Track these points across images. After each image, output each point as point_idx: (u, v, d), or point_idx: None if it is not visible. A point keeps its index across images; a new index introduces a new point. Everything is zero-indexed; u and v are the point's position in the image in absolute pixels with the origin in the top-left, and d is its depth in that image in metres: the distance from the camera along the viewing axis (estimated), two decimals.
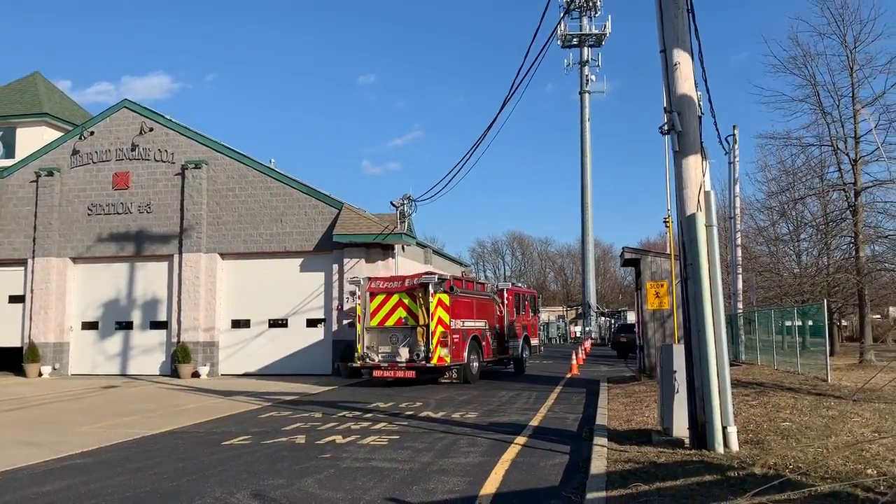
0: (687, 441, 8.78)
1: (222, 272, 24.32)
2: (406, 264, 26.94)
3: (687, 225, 8.72)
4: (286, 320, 23.90)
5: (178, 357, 23.38)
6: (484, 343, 21.11)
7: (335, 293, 23.24)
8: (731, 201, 26.28)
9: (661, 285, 19.77)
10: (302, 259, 23.86)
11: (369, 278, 19.74)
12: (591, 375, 23.65)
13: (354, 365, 19.51)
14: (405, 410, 14.05)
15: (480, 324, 20.98)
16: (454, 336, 19.11)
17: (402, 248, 25.88)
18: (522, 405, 14.83)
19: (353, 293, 20.28)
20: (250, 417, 13.54)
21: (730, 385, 8.46)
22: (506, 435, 10.97)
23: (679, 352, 9.20)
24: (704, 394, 8.39)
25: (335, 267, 23.28)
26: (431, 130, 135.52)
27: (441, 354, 18.59)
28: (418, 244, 29.28)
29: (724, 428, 8.25)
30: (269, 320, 24.03)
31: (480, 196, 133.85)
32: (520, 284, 24.95)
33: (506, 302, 23.27)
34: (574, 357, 25.72)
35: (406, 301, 19.15)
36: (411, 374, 18.67)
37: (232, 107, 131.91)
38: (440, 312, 18.82)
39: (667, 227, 17.49)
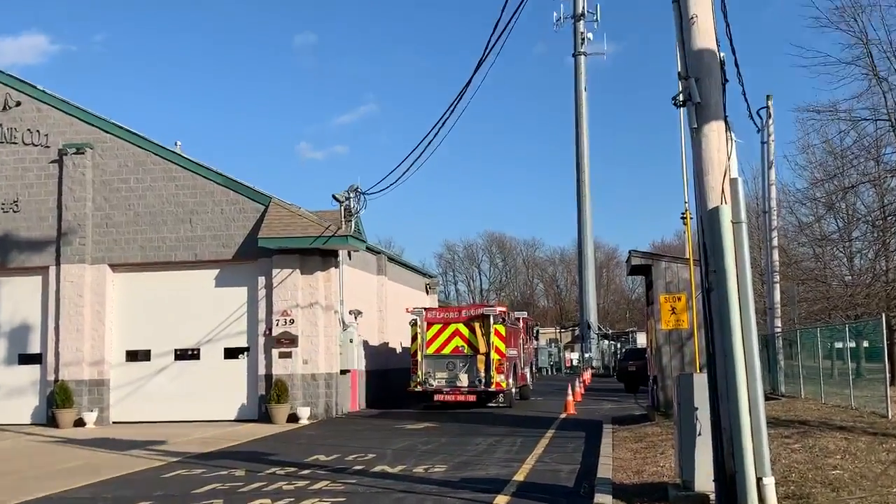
0: (712, 497, 8.84)
1: (113, 289, 24.03)
2: (354, 276, 26.86)
3: (709, 222, 8.79)
4: (198, 350, 23.79)
5: (57, 400, 23.00)
6: (518, 370, 29.66)
7: (262, 314, 23.18)
8: (765, 191, 26.66)
9: (679, 298, 19.97)
10: (218, 270, 23.78)
11: (424, 309, 27.59)
12: (591, 415, 23.74)
13: (416, 389, 27.01)
14: (353, 464, 14.03)
15: (515, 352, 29.22)
16: (507, 363, 26.97)
17: (349, 254, 25.83)
18: (504, 455, 14.91)
19: (413, 323, 27.47)
20: (151, 478, 13.35)
21: (765, 425, 8.52)
22: (482, 494, 10.98)
23: (701, 383, 9.27)
24: (734, 436, 8.43)
25: (261, 280, 23.25)
26: (388, 103, 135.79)
27: (498, 380, 26.42)
28: (369, 249, 29.25)
29: (758, 480, 8.30)
30: (176, 350, 23.88)
31: (450, 189, 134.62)
32: (522, 313, 33.32)
33: (521, 330, 31.54)
34: (570, 391, 25.95)
35: (463, 330, 26.94)
36: (472, 397, 26.59)
37: (127, 76, 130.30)
38: (497, 341, 26.61)
39: (684, 224, 17.67)
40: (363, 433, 19.54)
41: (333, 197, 22.71)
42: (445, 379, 27.06)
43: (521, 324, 32.21)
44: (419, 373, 27.08)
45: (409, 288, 36.23)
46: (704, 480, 9.19)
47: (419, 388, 27.06)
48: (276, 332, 22.93)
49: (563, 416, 23.66)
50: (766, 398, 19.34)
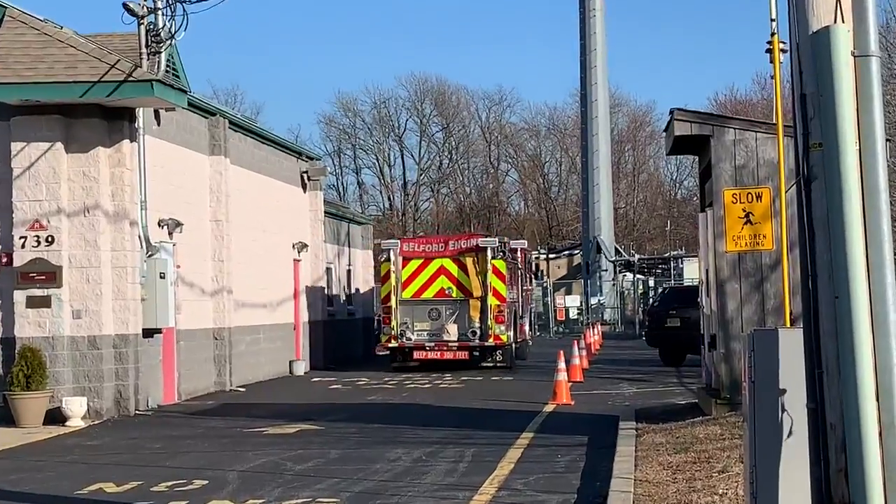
0: None
1: None
2: (167, 156, 26.62)
3: (812, 55, 8.79)
4: None
5: None
6: (517, 320, 37.93)
7: None
8: None
9: (758, 196, 20.06)
10: None
11: (400, 240, 35.45)
12: (599, 405, 24.29)
13: (391, 345, 35.29)
14: (166, 498, 14.06)
15: (515, 296, 37.82)
16: (507, 311, 34.83)
17: (157, 116, 25.56)
18: (442, 478, 15.07)
19: (385, 258, 35.78)
20: None
21: None
22: None
23: (792, 347, 9.36)
24: (849, 441, 8.59)
25: None
26: None
27: (497, 332, 34.37)
28: (196, 108, 28.88)
29: None
30: None
31: (349, 18, 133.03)
32: (520, 242, 43.34)
33: (520, 266, 40.59)
34: (563, 364, 26.16)
35: (451, 268, 35.16)
36: (464, 354, 34.99)
37: None
38: (495, 282, 34.66)
39: (771, 61, 17.68)
40: (189, 442, 19.55)
41: (126, 8, 22.31)
42: (427, 331, 35.35)
43: (520, 256, 40.84)
44: (393, 323, 34.96)
45: (271, 179, 35.96)
46: None
47: (394, 343, 35.18)
48: (19, 259, 22.86)
49: (549, 406, 24.07)
50: None
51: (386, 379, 32.93)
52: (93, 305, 23.00)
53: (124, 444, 19.53)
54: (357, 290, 48.30)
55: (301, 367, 36.12)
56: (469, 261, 35.13)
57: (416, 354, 35.25)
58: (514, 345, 36.82)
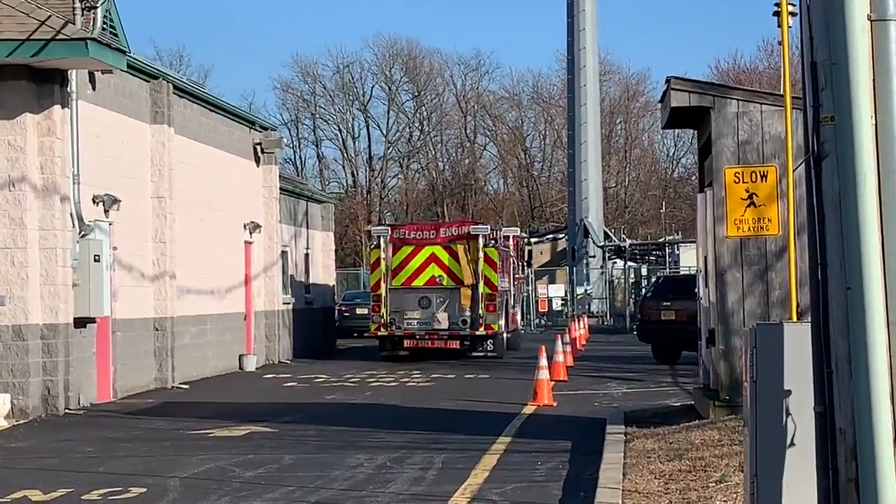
0: None
1: None
2: (104, 124, 26.57)
3: (825, 18, 8.80)
4: None
5: None
6: (509, 309, 42.70)
7: None
8: None
9: (763, 175, 20.10)
10: None
11: (390, 227, 40.13)
12: (585, 407, 24.43)
13: (380, 334, 39.55)
14: None
15: (507, 284, 42.42)
16: (499, 300, 39.11)
17: (92, 79, 25.55)
18: (407, 487, 15.09)
19: (375, 245, 39.99)
20: None
21: None
22: None
23: (798, 343, 9.37)
24: (861, 450, 8.59)
25: None
26: None
27: (488, 321, 38.41)
28: (135, 70, 28.81)
29: None
30: None
31: None
32: (512, 229, 48.72)
33: (512, 254, 45.22)
34: (544, 361, 26.16)
35: (442, 255, 38.90)
36: (455, 344, 39.12)
37: None
38: (487, 271, 38.72)
39: (779, 25, 17.73)
40: (125, 445, 19.55)
41: None
42: (418, 319, 39.32)
43: (512, 243, 45.77)
44: (383, 311, 39.03)
45: (221, 151, 35.88)
46: None
47: (384, 332, 39.48)
48: None
49: (529, 408, 24.13)
50: None
51: (347, 376, 33.08)
52: (18, 291, 22.93)
53: (53, 447, 19.48)
54: (316, 276, 48.28)
55: (252, 363, 36.11)
56: (460, 248, 39.02)
57: (406, 343, 39.45)
58: (505, 334, 40.84)
